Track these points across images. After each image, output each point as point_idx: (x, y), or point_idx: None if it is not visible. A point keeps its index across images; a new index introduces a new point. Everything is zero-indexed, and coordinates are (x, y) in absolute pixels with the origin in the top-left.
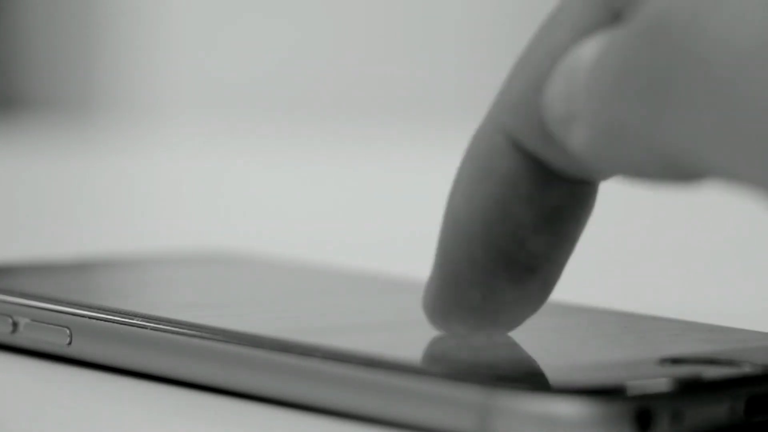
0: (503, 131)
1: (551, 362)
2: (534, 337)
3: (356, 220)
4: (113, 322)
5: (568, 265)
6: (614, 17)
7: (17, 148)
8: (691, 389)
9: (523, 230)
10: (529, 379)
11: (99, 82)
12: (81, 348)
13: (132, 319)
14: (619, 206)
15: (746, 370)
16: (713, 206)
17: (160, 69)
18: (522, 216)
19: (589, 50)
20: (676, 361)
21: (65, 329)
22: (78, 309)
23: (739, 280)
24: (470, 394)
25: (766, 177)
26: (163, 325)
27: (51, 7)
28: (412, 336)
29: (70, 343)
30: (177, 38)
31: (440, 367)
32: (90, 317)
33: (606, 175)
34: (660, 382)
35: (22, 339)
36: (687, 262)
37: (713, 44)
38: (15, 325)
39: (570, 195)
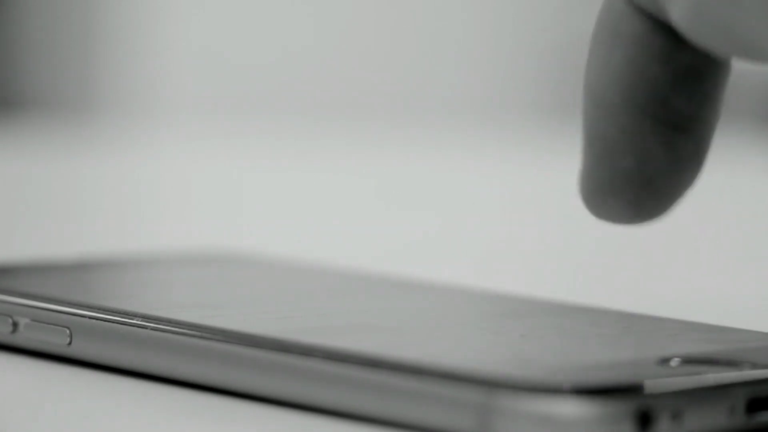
0: None
1: (551, 362)
2: (534, 337)
3: (357, 220)
4: (113, 322)
5: (567, 265)
6: None
7: (17, 148)
8: (691, 389)
9: (664, 89)
10: (529, 379)
11: (99, 82)
12: (81, 348)
13: (132, 319)
14: None
15: (746, 370)
16: (713, 206)
17: (160, 69)
18: (659, 74)
19: None
20: (676, 360)
21: (65, 329)
22: (78, 309)
23: (739, 280)
24: (470, 394)
25: None
26: (163, 325)
27: (51, 7)
28: (412, 336)
29: (70, 343)
30: (177, 38)
31: (440, 367)
32: (90, 317)
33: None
34: (660, 382)
35: (22, 339)
36: (687, 261)
37: None
38: (15, 325)
39: (702, 56)
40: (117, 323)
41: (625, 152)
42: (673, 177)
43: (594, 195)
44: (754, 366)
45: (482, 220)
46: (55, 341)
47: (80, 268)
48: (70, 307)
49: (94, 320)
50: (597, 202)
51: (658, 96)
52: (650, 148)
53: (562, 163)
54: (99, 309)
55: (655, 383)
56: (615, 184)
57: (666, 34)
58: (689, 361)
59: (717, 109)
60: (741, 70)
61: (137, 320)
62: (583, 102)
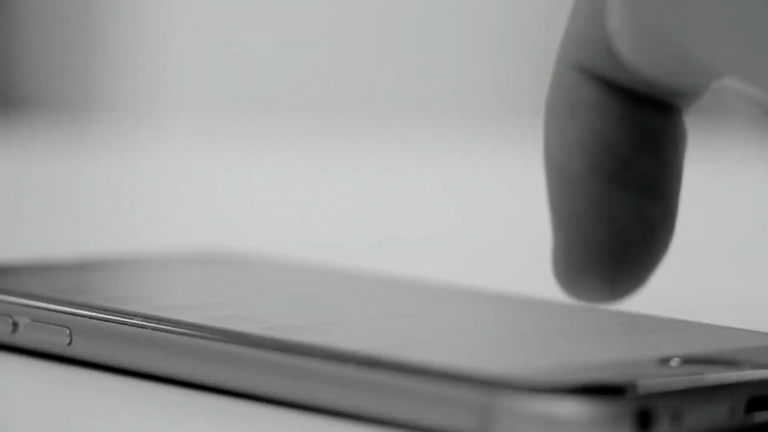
0: (576, 66)
1: (551, 362)
2: (534, 337)
3: (356, 219)
4: (113, 322)
5: None
6: None
7: (17, 148)
8: (691, 389)
9: (627, 152)
10: (529, 379)
11: (99, 82)
12: (81, 348)
13: (132, 319)
14: None
15: (746, 370)
16: (713, 206)
17: (160, 69)
18: (621, 138)
19: None
20: (676, 360)
21: (65, 329)
22: (78, 309)
23: (739, 280)
24: (470, 394)
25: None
26: (163, 325)
27: (51, 7)
28: (412, 336)
29: (70, 343)
30: (177, 38)
31: (440, 367)
32: (90, 317)
33: (663, 89)
34: (660, 382)
35: (22, 339)
36: (686, 261)
37: None
38: (15, 325)
39: (660, 117)
40: (117, 323)
41: (598, 223)
42: (646, 246)
43: (570, 273)
44: (754, 366)
45: (482, 220)
46: (55, 341)
47: (80, 268)
48: (70, 307)
49: (94, 320)
50: (573, 280)
51: (622, 161)
52: (622, 216)
53: None
54: (99, 309)
55: (655, 383)
56: (591, 258)
57: (622, 96)
58: (689, 361)
59: (680, 173)
60: None
61: (137, 320)
62: (547, 179)
